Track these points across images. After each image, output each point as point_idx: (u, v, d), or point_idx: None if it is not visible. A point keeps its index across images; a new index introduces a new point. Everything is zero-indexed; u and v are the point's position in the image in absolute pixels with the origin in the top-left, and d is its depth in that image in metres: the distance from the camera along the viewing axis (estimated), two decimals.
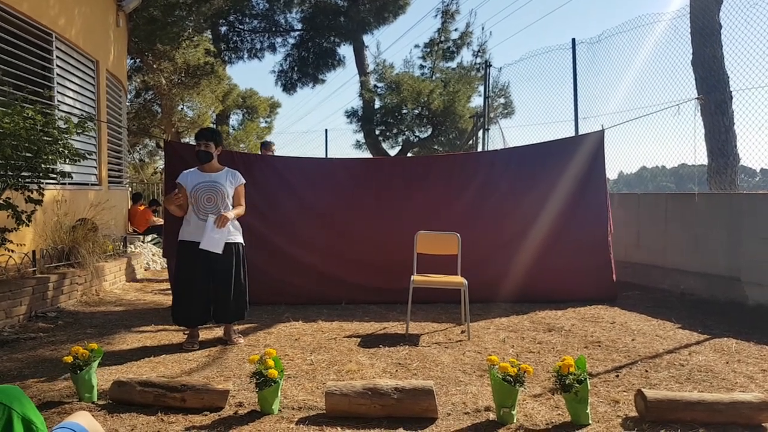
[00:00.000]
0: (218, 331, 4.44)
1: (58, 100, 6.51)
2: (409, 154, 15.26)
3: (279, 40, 17.87)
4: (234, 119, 20.03)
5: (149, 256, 8.56)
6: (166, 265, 6.99)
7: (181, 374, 3.45)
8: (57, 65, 6.54)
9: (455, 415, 2.81)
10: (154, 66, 12.77)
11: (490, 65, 10.48)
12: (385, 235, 5.72)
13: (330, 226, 5.79)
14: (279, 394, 2.86)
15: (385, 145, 15.93)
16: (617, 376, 3.43)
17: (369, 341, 4.27)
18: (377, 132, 15.61)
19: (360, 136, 16.03)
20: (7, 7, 5.54)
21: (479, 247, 5.51)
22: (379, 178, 5.94)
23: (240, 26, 17.71)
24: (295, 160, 6.23)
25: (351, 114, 15.82)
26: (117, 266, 6.68)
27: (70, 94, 6.93)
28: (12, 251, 4.90)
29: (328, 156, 13.68)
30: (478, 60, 15.90)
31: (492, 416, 2.78)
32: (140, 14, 10.44)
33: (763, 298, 5.27)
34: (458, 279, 4.57)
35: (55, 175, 5.16)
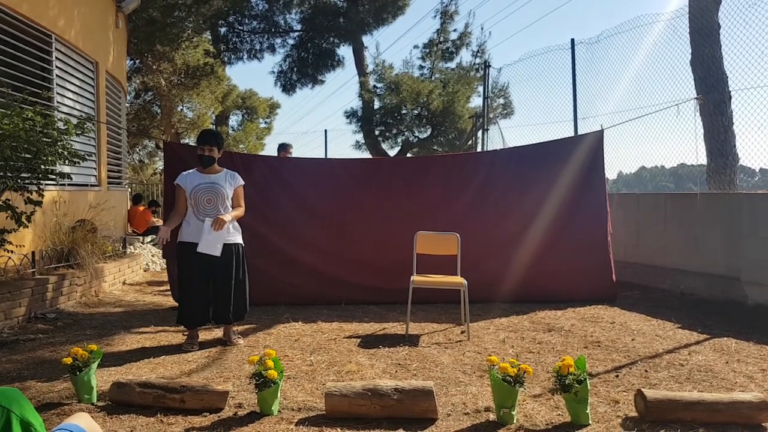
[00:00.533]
0: (218, 332, 4.44)
1: (58, 101, 6.50)
2: (408, 155, 15.26)
3: (278, 40, 17.89)
4: (233, 120, 20.07)
5: (149, 257, 8.56)
6: (165, 266, 6.99)
7: (180, 375, 3.45)
8: (56, 66, 6.54)
9: (455, 415, 2.81)
10: (154, 67, 12.77)
11: (489, 66, 10.48)
12: (385, 235, 5.72)
13: (329, 227, 5.79)
14: (278, 395, 2.85)
15: (384, 146, 15.93)
16: (617, 376, 3.43)
17: (369, 342, 4.27)
18: (377, 132, 15.60)
19: (359, 137, 16.05)
20: (6, 9, 5.54)
21: (479, 248, 5.51)
22: (379, 179, 5.94)
23: (239, 27, 17.71)
24: (294, 161, 6.23)
25: (350, 114, 15.82)
26: (116, 267, 6.68)
27: (70, 95, 6.93)
28: (11, 252, 4.90)
29: (328, 156, 13.69)
30: (478, 60, 15.92)
31: (492, 417, 2.78)
32: (140, 15, 10.44)
33: (763, 298, 5.27)
34: (458, 279, 4.57)
35: (54, 176, 5.17)
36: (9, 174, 4.54)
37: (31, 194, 4.73)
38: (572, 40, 8.03)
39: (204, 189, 4.07)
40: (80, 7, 7.22)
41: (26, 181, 4.72)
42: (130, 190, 12.28)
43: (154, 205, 11.11)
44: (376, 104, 15.37)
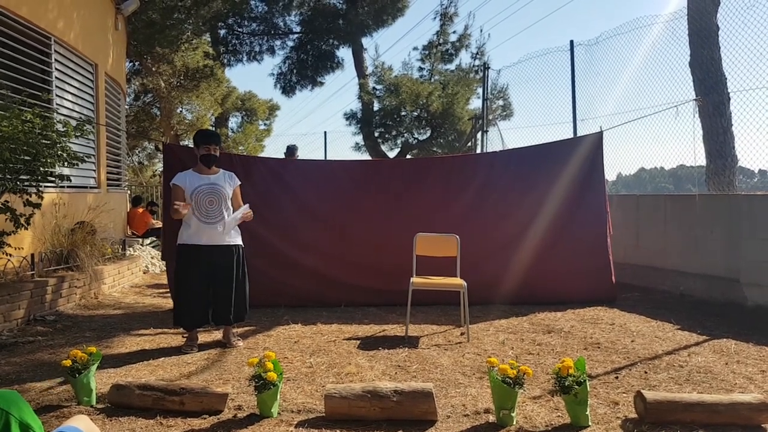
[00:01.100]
0: (217, 334, 4.44)
1: (57, 104, 6.50)
2: (408, 156, 15.27)
3: (278, 42, 17.91)
4: (233, 122, 20.06)
5: (148, 258, 8.55)
6: (165, 268, 6.98)
7: (180, 377, 3.44)
8: (56, 68, 6.54)
9: (455, 417, 2.81)
10: (153, 69, 12.78)
11: (489, 67, 10.49)
12: (385, 237, 5.71)
13: (329, 228, 5.79)
14: (278, 397, 2.85)
15: (384, 147, 15.95)
16: (617, 377, 3.43)
17: (368, 343, 4.26)
18: (376, 134, 15.61)
19: (359, 138, 16.07)
20: (6, 11, 5.54)
21: (479, 249, 5.50)
22: (379, 180, 5.94)
23: (239, 29, 17.73)
24: (294, 163, 6.24)
25: (350, 116, 15.84)
26: (116, 269, 6.68)
27: (69, 97, 6.93)
28: (10, 255, 4.90)
29: (328, 158, 13.69)
30: (477, 62, 15.95)
31: (492, 418, 2.77)
32: (139, 17, 10.44)
33: (762, 299, 5.27)
34: (457, 281, 4.57)
35: (53, 178, 5.16)
36: (8, 176, 4.54)
37: (31, 196, 4.73)
38: (571, 42, 8.05)
39: (206, 190, 4.08)
40: (80, 10, 7.22)
41: (25, 183, 4.72)
42: (129, 192, 12.27)
43: (152, 205, 11.10)
44: (376, 106, 15.39)
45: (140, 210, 10.02)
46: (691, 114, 6.03)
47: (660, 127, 6.81)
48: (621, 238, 6.84)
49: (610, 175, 7.48)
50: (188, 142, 15.25)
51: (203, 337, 4.33)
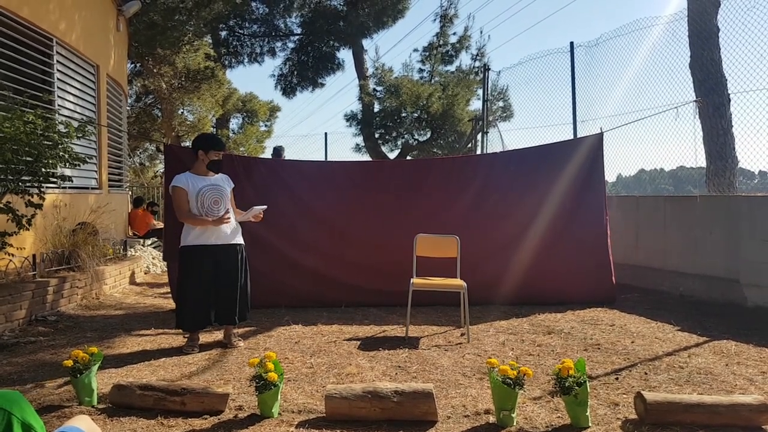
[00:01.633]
0: (218, 335, 4.45)
1: (59, 105, 6.52)
2: (408, 157, 15.27)
3: (279, 44, 17.91)
4: (234, 123, 20.07)
5: (149, 259, 8.56)
6: (166, 269, 6.99)
7: (181, 378, 3.45)
8: (57, 69, 6.55)
9: (455, 418, 2.82)
10: (155, 70, 12.79)
11: (489, 69, 10.49)
12: (385, 237, 5.72)
13: (329, 229, 5.80)
14: (279, 397, 2.86)
15: (384, 149, 15.94)
16: (617, 378, 3.43)
17: (369, 344, 4.27)
18: (376, 135, 15.62)
19: (359, 140, 16.06)
20: (7, 12, 5.56)
21: (479, 250, 5.51)
22: (379, 181, 5.95)
23: (240, 31, 17.74)
24: (294, 164, 6.25)
25: (350, 117, 15.84)
26: (117, 270, 6.69)
27: (71, 98, 6.94)
28: (12, 255, 4.91)
29: (328, 159, 13.69)
30: (477, 63, 15.94)
31: (492, 419, 2.78)
32: (140, 19, 10.46)
33: (762, 300, 5.27)
34: (458, 282, 4.57)
35: (55, 179, 5.18)
36: (10, 177, 4.56)
37: (32, 197, 4.74)
38: (571, 44, 8.06)
39: (210, 191, 4.14)
40: (81, 11, 7.24)
41: (27, 184, 4.74)
42: (130, 192, 12.29)
43: (153, 206, 11.11)
44: (376, 107, 15.40)
45: (141, 211, 10.03)
46: (691, 115, 6.05)
47: (660, 128, 6.82)
48: (621, 239, 6.84)
49: (609, 176, 7.50)
50: (189, 143, 15.26)
51: (204, 338, 4.34)
